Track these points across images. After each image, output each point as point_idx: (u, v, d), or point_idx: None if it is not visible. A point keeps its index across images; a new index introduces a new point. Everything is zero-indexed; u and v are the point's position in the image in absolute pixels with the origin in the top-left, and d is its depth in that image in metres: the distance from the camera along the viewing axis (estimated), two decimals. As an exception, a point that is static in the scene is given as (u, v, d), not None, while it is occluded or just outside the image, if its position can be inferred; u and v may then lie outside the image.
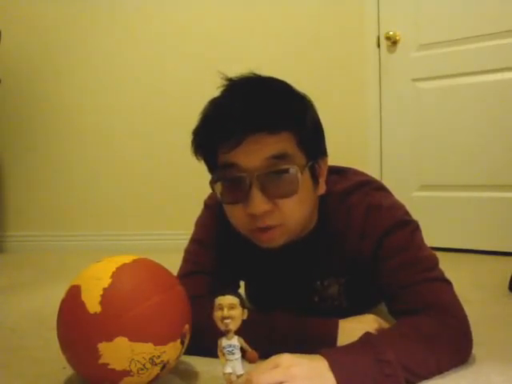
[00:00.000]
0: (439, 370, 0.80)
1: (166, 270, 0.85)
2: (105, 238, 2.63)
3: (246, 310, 0.69)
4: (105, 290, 0.74)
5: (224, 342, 0.69)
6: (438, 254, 0.94)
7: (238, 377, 0.69)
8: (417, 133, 2.35)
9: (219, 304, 0.67)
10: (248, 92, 0.83)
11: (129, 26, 2.63)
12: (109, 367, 0.73)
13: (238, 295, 0.69)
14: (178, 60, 2.60)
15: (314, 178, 0.89)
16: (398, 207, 0.96)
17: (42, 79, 2.69)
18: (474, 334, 0.85)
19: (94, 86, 2.67)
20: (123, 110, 2.65)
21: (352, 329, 0.85)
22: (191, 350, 0.85)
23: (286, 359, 0.70)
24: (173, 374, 0.85)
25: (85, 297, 0.74)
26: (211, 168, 0.90)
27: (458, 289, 0.91)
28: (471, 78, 2.21)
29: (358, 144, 2.47)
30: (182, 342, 0.79)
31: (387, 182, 1.10)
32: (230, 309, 0.67)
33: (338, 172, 1.02)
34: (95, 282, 0.76)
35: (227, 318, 0.67)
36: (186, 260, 1.05)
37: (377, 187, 1.00)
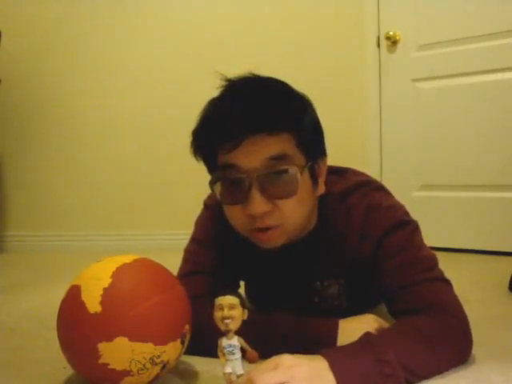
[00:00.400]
0: (439, 370, 0.80)
1: (166, 270, 0.85)
2: (105, 238, 2.63)
3: (246, 310, 0.69)
4: (105, 289, 0.74)
5: (224, 341, 0.69)
6: (438, 254, 0.94)
7: (238, 377, 0.69)
8: (417, 133, 2.35)
9: (219, 304, 0.67)
10: (247, 93, 0.83)
11: (129, 26, 2.63)
12: (109, 367, 0.73)
13: (238, 295, 0.69)
14: (177, 60, 2.60)
15: (314, 178, 0.89)
16: (398, 207, 0.96)
17: (41, 79, 2.69)
18: (474, 334, 0.85)
19: (93, 86, 2.67)
20: (123, 110, 2.65)
21: (352, 329, 0.85)
22: (191, 350, 0.85)
23: (286, 360, 0.70)
24: (173, 373, 0.85)
25: (85, 297, 0.74)
26: (210, 169, 0.90)
27: (458, 289, 0.91)
28: (471, 78, 2.21)
29: (358, 144, 2.47)
30: (182, 342, 0.79)
31: (387, 182, 1.10)
32: (230, 309, 0.67)
33: (337, 172, 1.02)
34: (95, 281, 0.76)
35: (227, 318, 0.67)
36: (185, 260, 1.05)
37: (376, 187, 1.00)
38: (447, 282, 0.91)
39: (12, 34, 2.59)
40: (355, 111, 2.48)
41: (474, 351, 0.86)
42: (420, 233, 0.96)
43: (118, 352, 0.72)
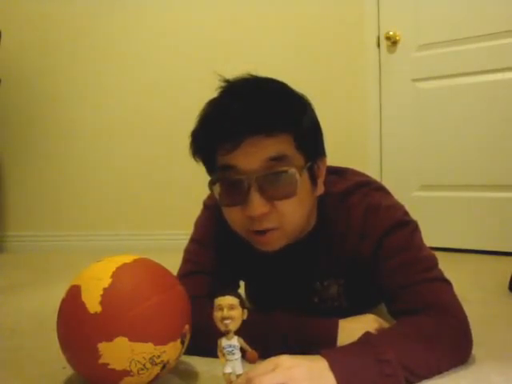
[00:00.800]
0: (439, 370, 0.80)
1: (166, 270, 0.85)
2: (105, 238, 2.63)
3: (245, 311, 0.69)
4: (105, 289, 0.74)
5: (224, 342, 0.69)
6: (438, 254, 0.94)
7: (238, 377, 0.69)
8: (417, 133, 2.35)
9: (219, 304, 0.67)
10: (246, 94, 0.83)
11: (129, 26, 2.63)
12: (109, 367, 0.73)
13: (238, 295, 0.69)
14: (177, 61, 2.60)
15: (313, 178, 0.89)
16: (398, 207, 0.96)
17: (41, 79, 2.69)
18: (473, 334, 0.85)
19: (93, 86, 2.67)
20: (123, 110, 2.65)
21: (352, 329, 0.85)
22: (191, 350, 0.85)
23: (285, 360, 0.70)
24: (173, 374, 0.85)
25: (85, 297, 0.74)
26: (210, 170, 0.90)
27: (458, 289, 0.91)
28: (471, 78, 2.21)
29: (358, 144, 2.47)
30: (182, 342, 0.79)
31: (387, 182, 1.10)
32: (229, 309, 0.67)
33: (337, 172, 1.02)
34: (95, 282, 0.76)
35: (227, 318, 0.67)
36: (185, 260, 1.05)
37: (376, 187, 1.00)
38: (447, 282, 0.91)
39: (12, 33, 2.59)
40: (355, 111, 2.48)
41: (474, 351, 0.86)
42: (420, 233, 0.96)
43: (117, 352, 0.72)
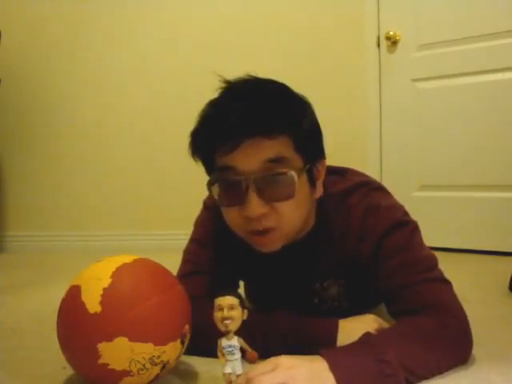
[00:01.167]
0: (439, 370, 0.80)
1: (166, 270, 0.85)
2: (105, 237, 2.63)
3: (245, 311, 0.69)
4: (105, 290, 0.74)
5: (224, 342, 0.69)
6: (438, 254, 0.94)
7: (238, 377, 0.69)
8: (417, 133, 2.35)
9: (219, 305, 0.67)
10: (246, 95, 0.83)
11: (129, 26, 2.63)
12: (109, 367, 0.73)
13: (238, 295, 0.69)
14: (177, 61, 2.60)
15: (312, 181, 0.89)
16: (397, 208, 0.96)
17: (41, 79, 2.69)
18: (474, 334, 0.85)
19: (93, 87, 2.67)
20: (123, 110, 2.65)
21: (352, 329, 0.85)
22: (191, 350, 0.85)
23: (285, 360, 0.70)
24: (173, 374, 0.85)
25: (85, 297, 0.74)
26: (209, 170, 0.90)
27: (458, 289, 0.91)
28: (471, 78, 2.21)
29: (358, 144, 2.46)
30: (182, 342, 0.79)
31: (387, 182, 1.10)
32: (229, 309, 0.67)
33: (337, 172, 1.02)
34: (95, 282, 0.76)
35: (227, 318, 0.67)
36: (185, 260, 1.05)
37: (376, 187, 1.00)
38: (447, 282, 0.91)
39: (12, 33, 2.59)
40: (355, 111, 2.48)
41: (474, 351, 0.86)
42: (420, 233, 0.95)
43: (117, 352, 0.72)
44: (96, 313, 0.73)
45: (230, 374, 0.69)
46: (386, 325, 0.90)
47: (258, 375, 0.67)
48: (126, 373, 0.74)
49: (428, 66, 2.31)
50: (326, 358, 0.72)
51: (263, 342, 0.78)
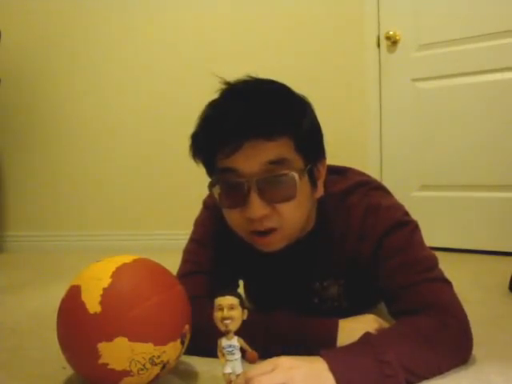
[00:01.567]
0: (439, 370, 0.80)
1: (166, 270, 0.85)
2: (105, 238, 2.63)
3: (245, 311, 0.69)
4: (105, 290, 0.74)
5: (224, 342, 0.69)
6: (438, 254, 0.94)
7: (238, 377, 0.69)
8: (417, 133, 2.35)
9: (219, 305, 0.67)
10: (246, 97, 0.83)
11: (129, 26, 2.63)
12: (109, 367, 0.73)
13: (238, 295, 0.69)
14: (177, 61, 2.60)
15: (313, 181, 0.89)
16: (397, 207, 0.96)
17: (41, 79, 2.69)
18: (474, 334, 0.85)
19: (93, 87, 2.67)
20: (123, 110, 2.65)
21: (352, 329, 0.85)
22: (191, 350, 0.85)
23: (284, 361, 0.71)
24: (173, 374, 0.85)
25: (85, 297, 0.74)
26: (209, 171, 0.90)
27: (458, 289, 0.91)
28: (471, 78, 2.21)
29: (358, 144, 2.46)
30: (182, 342, 0.79)
31: (387, 182, 1.10)
32: (229, 309, 0.67)
33: (337, 172, 1.02)
34: (95, 282, 0.76)
35: (227, 318, 0.67)
36: (185, 260, 1.05)
37: (376, 187, 1.00)
38: (447, 282, 0.91)
39: (12, 33, 2.59)
40: (355, 111, 2.48)
41: (474, 351, 0.86)
42: (420, 233, 0.95)
43: (117, 352, 0.72)
44: (96, 313, 0.73)
45: (229, 373, 0.69)
46: (386, 325, 0.90)
47: (258, 375, 0.67)
48: (126, 373, 0.74)
49: (428, 66, 2.31)
50: (326, 359, 0.72)
51: (263, 342, 0.78)
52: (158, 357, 0.75)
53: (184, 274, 1.00)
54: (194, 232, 1.07)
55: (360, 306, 1.02)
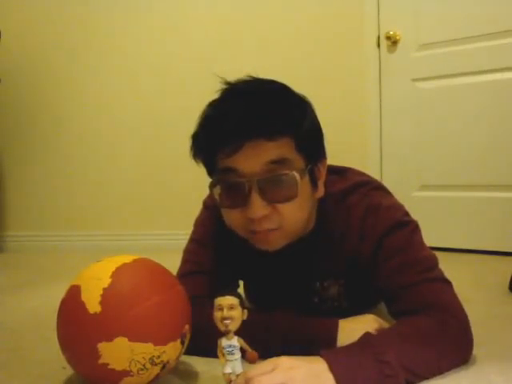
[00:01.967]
0: (440, 370, 0.80)
1: (166, 270, 0.85)
2: (105, 238, 2.63)
3: (245, 311, 0.69)
4: (105, 289, 0.74)
5: (224, 342, 0.69)
6: (438, 254, 0.94)
7: (238, 377, 0.69)
8: (417, 133, 2.35)
9: (219, 305, 0.67)
10: (247, 97, 0.83)
11: (129, 27, 2.63)
12: (109, 367, 0.73)
13: (238, 295, 0.69)
14: (178, 62, 2.60)
15: (313, 181, 0.89)
16: (398, 207, 0.96)
17: (41, 79, 2.69)
18: (474, 334, 0.85)
19: (93, 86, 2.67)
20: (123, 110, 2.65)
21: (352, 329, 0.85)
22: (191, 350, 0.85)
23: (285, 361, 0.71)
24: (173, 374, 0.85)
25: (85, 297, 0.74)
26: (210, 171, 0.90)
27: (458, 289, 0.91)
28: (471, 77, 2.21)
29: (358, 144, 2.46)
30: (182, 342, 0.79)
31: (387, 182, 1.10)
32: (229, 309, 0.67)
33: (337, 172, 1.02)
34: (95, 282, 0.76)
35: (227, 318, 0.67)
36: (185, 260, 1.05)
37: (376, 187, 1.00)
38: (447, 282, 0.91)
39: (12, 33, 2.59)
40: (355, 111, 2.48)
41: (474, 351, 0.86)
42: (420, 233, 0.95)
43: (117, 352, 0.72)
44: (96, 313, 0.73)
45: (229, 373, 0.69)
46: (386, 325, 0.90)
47: (258, 375, 0.67)
48: (126, 373, 0.73)
49: (428, 66, 2.31)
50: (326, 359, 0.72)
51: (263, 342, 0.78)
52: (158, 357, 0.75)
53: (184, 274, 1.00)
54: (194, 232, 1.07)
55: (360, 306, 1.02)
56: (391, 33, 2.36)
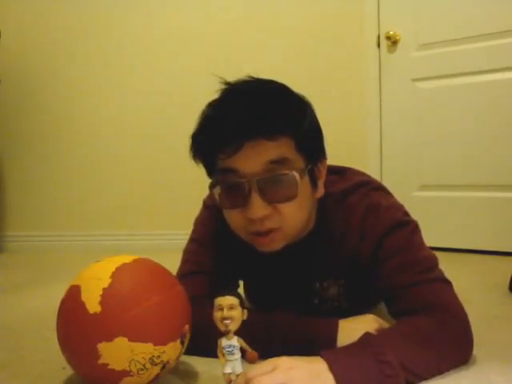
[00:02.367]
0: (440, 371, 0.80)
1: (166, 270, 0.85)
2: (105, 238, 2.63)
3: (245, 311, 0.69)
4: (105, 290, 0.74)
5: (224, 342, 0.69)
6: (438, 254, 0.94)
7: (238, 377, 0.69)
8: (417, 133, 2.35)
9: (219, 305, 0.67)
10: (246, 97, 0.83)
11: (129, 27, 2.63)
12: (108, 367, 0.73)
13: (238, 295, 0.69)
14: (178, 61, 2.60)
15: (313, 181, 0.89)
16: (397, 207, 0.96)
17: (41, 79, 2.69)
18: (474, 334, 0.85)
19: (93, 86, 2.67)
20: (123, 110, 2.65)
21: (352, 329, 0.85)
22: (191, 350, 0.85)
23: (285, 361, 0.71)
24: (173, 374, 0.85)
25: (85, 297, 0.74)
26: (210, 172, 0.90)
27: (458, 289, 0.91)
28: (471, 77, 2.21)
29: (358, 144, 2.46)
30: (182, 342, 0.79)
31: (387, 182, 1.10)
32: (229, 309, 0.67)
33: (337, 172, 1.02)
34: (95, 282, 0.76)
35: (227, 318, 0.67)
36: (185, 260, 1.05)
37: (376, 187, 1.00)
38: (447, 282, 0.91)
39: (12, 33, 2.59)
40: (355, 111, 2.48)
41: (474, 351, 0.86)
42: (420, 233, 0.95)
43: (117, 352, 0.72)
44: (96, 313, 0.73)
45: (229, 373, 0.69)
46: (386, 325, 0.90)
47: (258, 375, 0.67)
48: (126, 373, 0.73)
49: (428, 65, 2.31)
50: (326, 359, 0.72)
51: (263, 342, 0.78)
52: (158, 357, 0.75)
53: (184, 274, 1.00)
54: (194, 232, 1.07)
55: (360, 306, 1.02)
56: (391, 33, 2.36)
